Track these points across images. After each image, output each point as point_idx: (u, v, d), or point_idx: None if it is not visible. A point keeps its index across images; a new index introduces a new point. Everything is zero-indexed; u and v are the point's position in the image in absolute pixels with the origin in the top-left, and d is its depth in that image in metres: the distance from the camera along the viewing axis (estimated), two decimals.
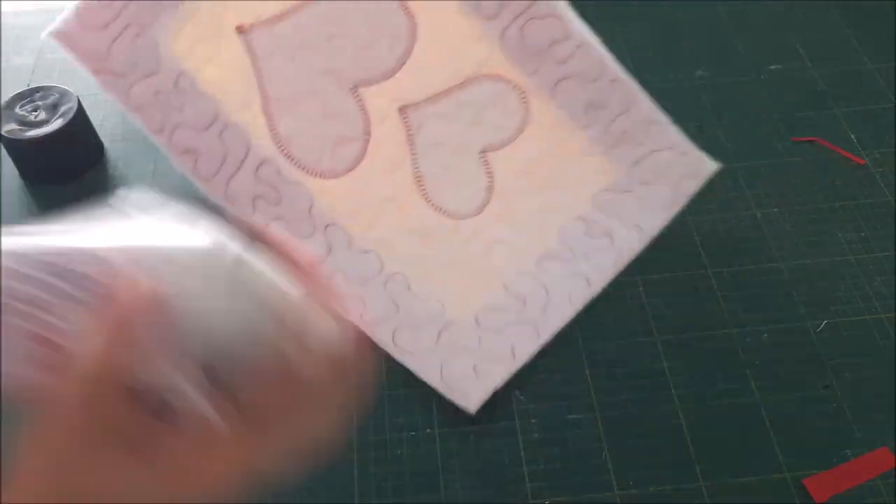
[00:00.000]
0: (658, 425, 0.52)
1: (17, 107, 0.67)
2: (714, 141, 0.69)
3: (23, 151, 0.67)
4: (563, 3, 0.54)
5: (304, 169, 0.56)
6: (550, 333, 0.55)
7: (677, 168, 0.58)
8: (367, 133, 0.55)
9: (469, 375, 0.53)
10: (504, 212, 0.58)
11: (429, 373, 0.54)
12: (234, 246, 0.25)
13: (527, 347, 0.54)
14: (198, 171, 0.54)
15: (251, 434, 0.24)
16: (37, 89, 0.69)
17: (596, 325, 0.57)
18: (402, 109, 0.55)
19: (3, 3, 0.85)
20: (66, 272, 0.23)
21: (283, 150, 0.55)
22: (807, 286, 0.59)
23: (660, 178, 0.57)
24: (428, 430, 0.53)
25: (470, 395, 0.53)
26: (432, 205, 0.57)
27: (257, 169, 0.55)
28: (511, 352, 0.54)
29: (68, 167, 0.68)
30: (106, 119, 0.72)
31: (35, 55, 0.80)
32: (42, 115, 0.67)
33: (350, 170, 0.56)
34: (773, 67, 0.75)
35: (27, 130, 0.66)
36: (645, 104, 0.56)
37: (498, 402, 0.54)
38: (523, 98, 0.56)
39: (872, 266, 0.60)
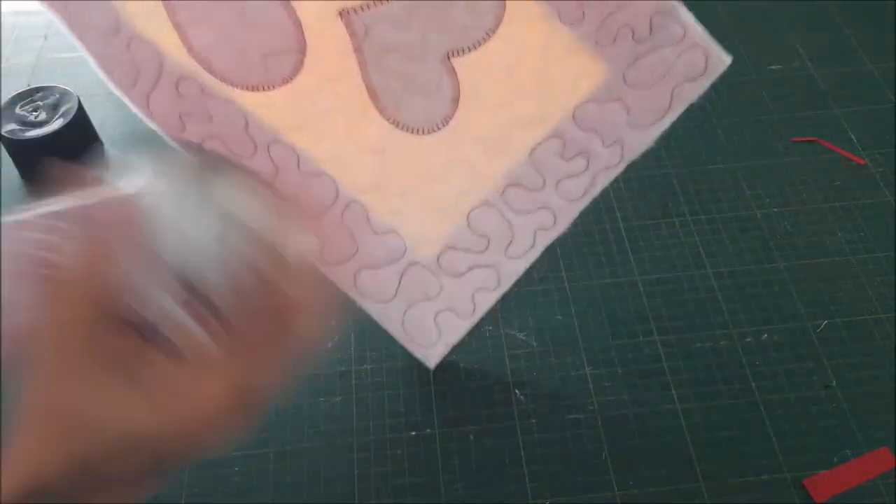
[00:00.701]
0: (658, 425, 0.52)
1: (17, 107, 0.67)
2: (714, 141, 0.69)
3: (23, 151, 0.67)
4: None
5: (231, 83, 0.48)
6: (511, 282, 0.53)
7: (679, 69, 0.49)
8: (302, 43, 0.48)
9: (430, 327, 0.53)
10: (471, 126, 0.50)
11: (390, 321, 0.53)
12: (200, 166, 0.25)
13: (486, 300, 0.53)
14: (116, 80, 0.48)
15: (239, 353, 0.24)
16: (37, 89, 0.69)
17: (596, 325, 0.57)
18: (344, 14, 0.47)
19: (3, 3, 0.85)
20: (59, 215, 0.25)
21: (203, 65, 0.48)
22: (807, 286, 0.59)
23: (657, 81, 0.49)
24: (428, 430, 0.53)
25: (429, 349, 0.53)
26: (389, 118, 0.50)
27: (177, 86, 0.48)
28: (472, 304, 0.53)
29: None
30: (106, 119, 0.72)
31: (35, 55, 0.80)
32: (42, 115, 0.67)
33: (287, 82, 0.49)
34: (773, 67, 0.75)
35: (27, 130, 0.66)
36: None
37: (498, 401, 0.54)
38: None
39: (872, 266, 0.60)
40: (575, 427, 0.52)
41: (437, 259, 0.52)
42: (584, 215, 0.65)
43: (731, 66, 0.76)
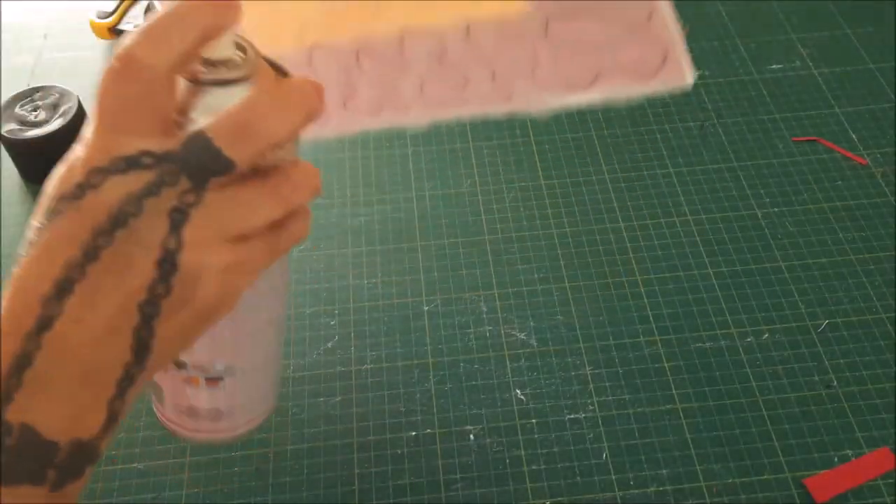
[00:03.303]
0: (658, 425, 0.52)
1: (17, 107, 0.67)
2: (714, 141, 0.69)
3: (23, 151, 0.67)
4: None
5: None
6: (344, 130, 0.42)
7: (620, 54, 0.38)
8: None
9: None
10: None
11: None
12: None
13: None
14: None
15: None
16: (37, 89, 0.69)
17: (596, 325, 0.57)
18: None
19: (3, 3, 0.85)
20: None
21: None
22: (807, 286, 0.59)
23: (585, 54, 0.38)
24: (428, 430, 0.53)
25: None
26: None
27: None
28: None
29: None
30: None
31: (35, 55, 0.80)
32: (42, 115, 0.67)
33: None
34: (773, 67, 0.75)
35: (27, 130, 0.66)
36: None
37: (498, 401, 0.54)
38: None
39: (873, 266, 0.60)
40: (575, 427, 0.52)
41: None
42: (583, 215, 0.65)
43: (731, 66, 0.76)
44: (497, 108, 0.40)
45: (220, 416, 0.36)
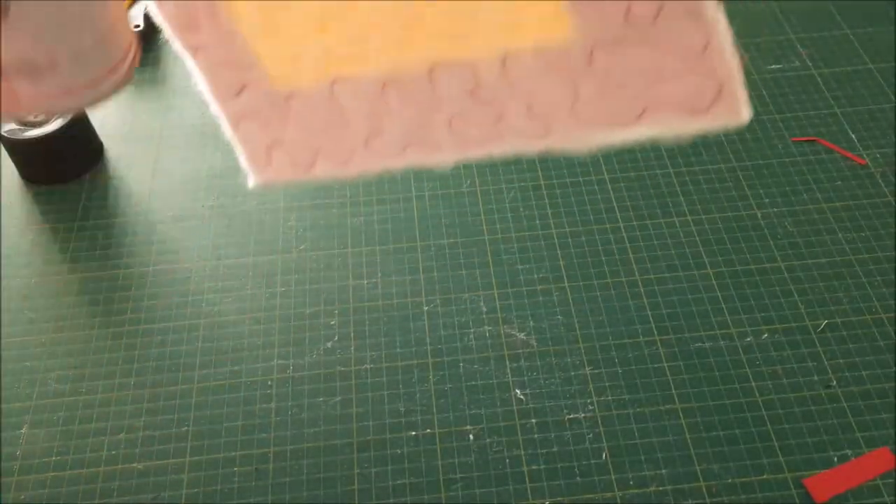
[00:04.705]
0: (658, 425, 0.52)
1: None
2: (714, 141, 0.69)
3: (23, 151, 0.67)
4: None
5: None
6: (357, 170, 0.39)
7: (672, 86, 0.33)
8: None
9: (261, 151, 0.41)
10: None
11: None
12: None
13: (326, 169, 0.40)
14: None
15: None
16: None
17: (596, 325, 0.57)
18: None
19: None
20: None
21: None
22: (807, 286, 0.59)
23: (633, 83, 0.35)
24: (428, 430, 0.53)
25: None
26: None
27: None
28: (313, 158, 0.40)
29: (68, 167, 0.68)
30: (106, 119, 0.72)
31: None
32: (42, 115, 0.67)
33: None
34: (772, 67, 0.75)
35: (27, 130, 0.66)
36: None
37: (498, 401, 0.54)
38: None
39: (873, 266, 0.60)
40: (575, 427, 0.52)
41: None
42: (583, 215, 0.65)
43: None
44: (532, 146, 0.36)
45: (35, 73, 0.25)
